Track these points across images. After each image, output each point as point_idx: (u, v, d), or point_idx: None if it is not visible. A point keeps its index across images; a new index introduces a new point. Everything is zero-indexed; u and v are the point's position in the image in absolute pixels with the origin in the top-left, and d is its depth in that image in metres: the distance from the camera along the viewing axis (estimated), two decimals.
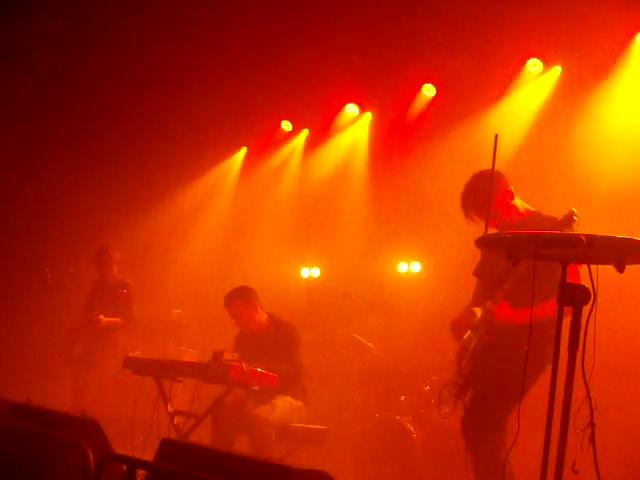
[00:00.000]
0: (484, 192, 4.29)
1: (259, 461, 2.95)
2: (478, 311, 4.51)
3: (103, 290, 8.06)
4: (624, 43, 6.68)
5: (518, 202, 4.58)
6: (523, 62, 7.39)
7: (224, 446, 5.63)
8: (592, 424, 3.04)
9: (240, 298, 6.38)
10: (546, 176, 6.23)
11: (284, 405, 6.04)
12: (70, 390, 7.91)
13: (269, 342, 6.31)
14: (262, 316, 6.46)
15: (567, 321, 3.08)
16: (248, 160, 10.29)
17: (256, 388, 5.78)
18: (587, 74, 6.89)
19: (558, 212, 4.13)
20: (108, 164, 9.37)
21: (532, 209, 4.60)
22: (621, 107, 6.79)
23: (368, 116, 9.09)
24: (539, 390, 3.96)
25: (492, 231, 4.33)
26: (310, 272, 9.43)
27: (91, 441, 3.24)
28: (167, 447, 3.22)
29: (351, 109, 9.05)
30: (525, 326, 3.45)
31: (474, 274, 4.79)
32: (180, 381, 6.13)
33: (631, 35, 6.69)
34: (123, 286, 8.00)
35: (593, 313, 3.03)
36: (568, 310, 3.07)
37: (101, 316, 7.74)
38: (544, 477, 2.94)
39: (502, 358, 4.23)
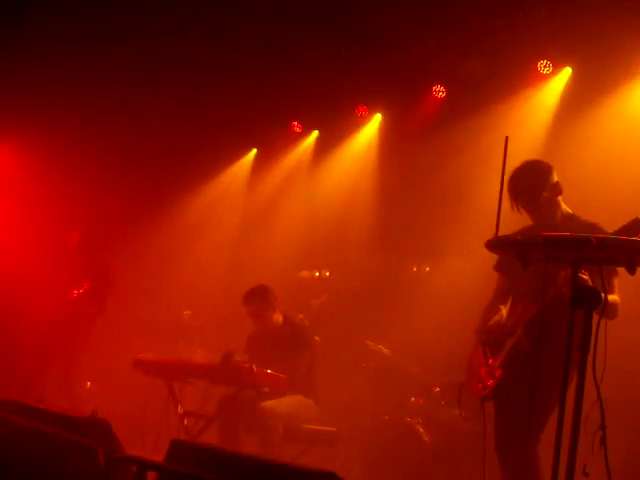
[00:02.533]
0: (536, 182, 4.36)
1: (269, 462, 2.95)
2: (504, 309, 4.47)
3: (75, 273, 7.67)
4: (634, 44, 6.65)
5: (561, 199, 4.51)
6: (533, 63, 7.37)
7: (232, 447, 5.64)
8: (603, 427, 3.03)
9: (260, 297, 6.40)
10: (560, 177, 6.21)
11: (294, 400, 6.04)
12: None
13: (283, 342, 6.33)
14: (279, 317, 6.48)
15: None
16: (258, 162, 10.30)
17: (266, 389, 5.80)
18: (598, 75, 6.86)
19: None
20: (117, 166, 9.39)
21: (570, 211, 4.52)
22: (632, 108, 6.77)
23: (378, 117, 9.08)
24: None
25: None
26: (321, 273, 9.42)
27: (101, 442, 3.25)
28: (177, 448, 3.22)
29: (361, 110, 9.03)
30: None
31: (495, 269, 4.68)
32: (190, 382, 6.15)
33: None
34: (101, 275, 7.59)
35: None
36: None
37: (74, 295, 7.23)
38: None
39: (543, 368, 3.77)
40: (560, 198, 4.48)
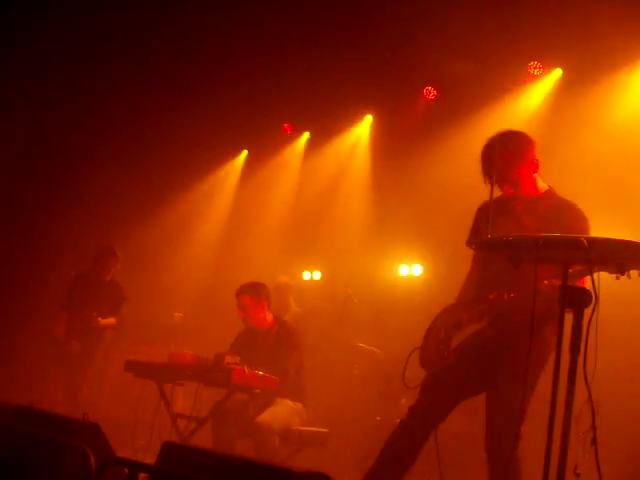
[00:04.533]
0: (512, 156, 4.04)
1: (260, 464, 2.94)
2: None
3: (95, 289, 7.99)
4: (625, 45, 6.68)
5: (538, 177, 4.25)
6: (524, 64, 7.39)
7: (225, 450, 5.62)
8: (594, 427, 3.04)
9: (251, 292, 6.40)
10: (547, 178, 6.23)
11: (285, 410, 6.03)
12: (62, 389, 7.84)
13: (270, 342, 6.31)
14: (268, 316, 6.46)
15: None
16: (249, 163, 10.29)
17: (257, 391, 5.79)
18: (588, 76, 6.89)
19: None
20: (108, 168, 9.37)
21: (546, 186, 4.27)
22: (621, 108, 6.79)
23: (369, 118, 9.09)
24: (541, 393, 3.93)
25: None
26: (311, 275, 9.43)
27: (92, 444, 3.23)
28: (169, 450, 3.21)
29: (353, 111, 9.04)
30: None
31: (468, 245, 4.27)
32: (182, 384, 6.14)
33: (632, 37, 6.68)
34: (116, 288, 8.05)
35: (595, 316, 3.02)
36: None
37: (99, 318, 7.77)
38: None
39: (517, 358, 3.83)
40: (537, 175, 4.22)
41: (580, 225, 4.01)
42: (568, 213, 4.11)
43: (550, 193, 4.26)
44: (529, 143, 4.23)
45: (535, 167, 4.21)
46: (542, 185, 4.27)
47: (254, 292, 6.41)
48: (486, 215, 4.32)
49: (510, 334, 3.98)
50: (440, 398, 4.23)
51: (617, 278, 3.10)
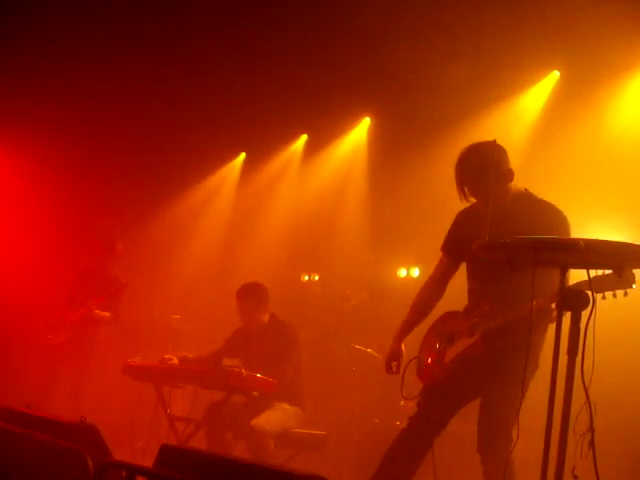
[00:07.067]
0: (483, 168, 3.97)
1: (259, 467, 2.94)
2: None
3: (96, 282, 7.85)
4: (622, 47, 6.68)
5: (512, 184, 4.17)
6: (521, 67, 7.39)
7: (220, 452, 5.62)
8: (592, 429, 3.04)
9: (254, 295, 6.40)
10: (545, 181, 6.23)
11: (281, 413, 6.00)
12: (38, 376, 7.64)
13: (266, 343, 6.29)
14: (265, 317, 6.46)
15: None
16: (247, 165, 10.29)
17: (255, 394, 5.78)
18: (585, 79, 6.89)
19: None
20: (107, 171, 9.37)
21: (522, 189, 4.22)
22: (620, 111, 6.80)
23: (367, 121, 9.09)
24: (538, 395, 3.94)
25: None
26: (309, 278, 9.42)
27: (90, 447, 3.23)
28: (167, 453, 3.20)
29: (350, 114, 9.04)
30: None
31: (443, 250, 4.57)
32: (180, 387, 6.14)
33: (630, 39, 6.69)
34: (117, 284, 7.81)
35: (592, 318, 3.03)
36: None
37: (94, 307, 7.56)
38: None
39: (509, 369, 4.03)
40: (511, 184, 4.15)
41: (557, 225, 3.99)
42: (544, 214, 4.10)
43: (525, 196, 4.22)
44: (500, 154, 4.13)
45: (508, 177, 4.14)
46: (517, 189, 4.21)
47: (257, 295, 6.42)
48: (463, 224, 4.38)
49: (500, 347, 4.08)
50: (438, 410, 4.33)
51: (603, 298, 3.17)
